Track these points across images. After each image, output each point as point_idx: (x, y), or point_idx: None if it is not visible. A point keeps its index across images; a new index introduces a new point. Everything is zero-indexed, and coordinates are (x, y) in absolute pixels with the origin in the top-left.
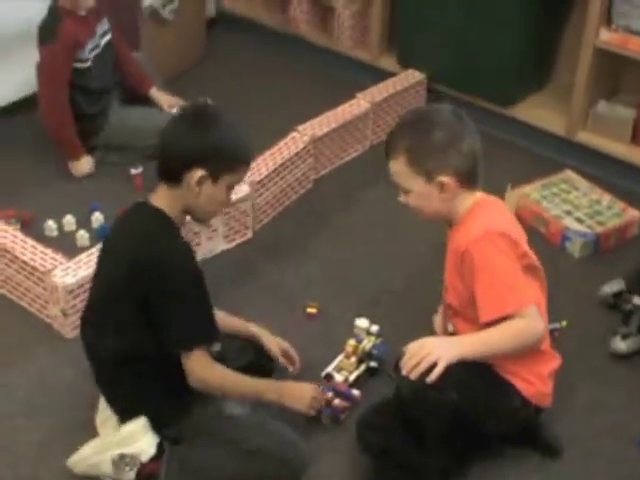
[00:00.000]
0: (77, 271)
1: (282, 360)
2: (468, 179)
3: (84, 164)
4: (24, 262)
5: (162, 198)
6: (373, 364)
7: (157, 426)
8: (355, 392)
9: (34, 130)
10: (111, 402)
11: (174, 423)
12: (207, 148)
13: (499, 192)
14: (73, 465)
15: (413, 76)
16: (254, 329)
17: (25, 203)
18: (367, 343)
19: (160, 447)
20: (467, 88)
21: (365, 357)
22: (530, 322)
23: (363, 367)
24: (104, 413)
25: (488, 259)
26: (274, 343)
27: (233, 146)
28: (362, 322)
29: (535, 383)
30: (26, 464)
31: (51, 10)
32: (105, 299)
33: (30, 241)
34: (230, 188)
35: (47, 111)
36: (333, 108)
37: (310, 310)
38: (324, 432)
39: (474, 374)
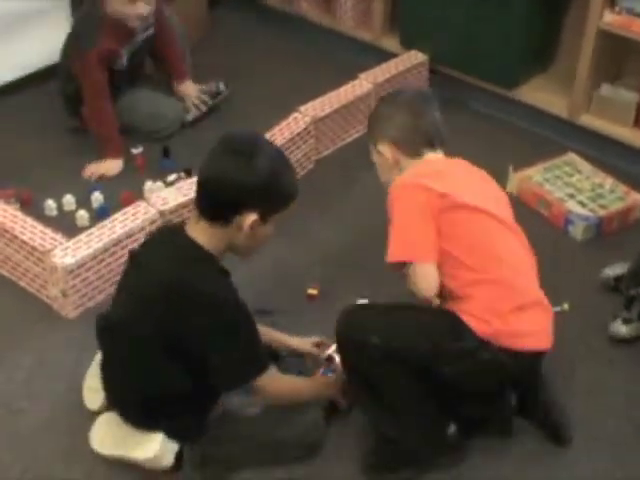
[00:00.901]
0: (77, 251)
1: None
2: (407, 147)
3: (114, 165)
4: (23, 241)
5: (202, 234)
6: None
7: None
8: None
9: (37, 108)
10: (125, 410)
11: (195, 436)
12: (261, 192)
13: (501, 174)
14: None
15: (415, 57)
16: (294, 342)
17: (25, 182)
18: None
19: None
20: (470, 70)
21: None
22: (412, 279)
23: None
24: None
25: (393, 209)
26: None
27: (286, 186)
28: (362, 302)
29: (490, 321)
30: (26, 446)
31: (90, 13)
32: (137, 352)
33: (30, 220)
34: (276, 221)
35: (89, 108)
36: (335, 89)
37: (311, 292)
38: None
39: (408, 317)
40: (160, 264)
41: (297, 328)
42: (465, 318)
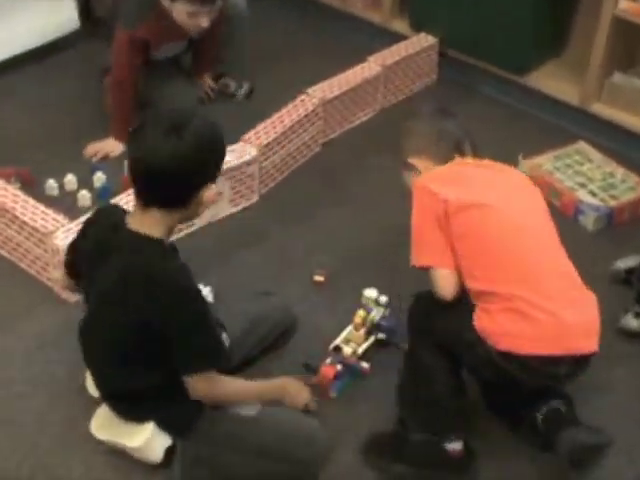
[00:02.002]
0: None
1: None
2: (437, 155)
3: (116, 147)
4: (24, 222)
5: (154, 225)
6: (381, 336)
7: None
8: (364, 365)
9: (38, 85)
10: (114, 404)
11: (186, 426)
12: (214, 164)
13: (511, 162)
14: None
15: (425, 40)
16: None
17: (26, 161)
18: (376, 314)
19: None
20: (480, 54)
21: (374, 329)
22: (431, 282)
23: (372, 339)
24: None
25: (413, 210)
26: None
27: (223, 144)
28: (371, 292)
29: (482, 317)
30: (25, 432)
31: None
32: (111, 347)
33: (31, 201)
34: None
35: (111, 82)
36: (344, 71)
37: (317, 278)
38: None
39: (453, 305)
40: (117, 263)
41: (302, 315)
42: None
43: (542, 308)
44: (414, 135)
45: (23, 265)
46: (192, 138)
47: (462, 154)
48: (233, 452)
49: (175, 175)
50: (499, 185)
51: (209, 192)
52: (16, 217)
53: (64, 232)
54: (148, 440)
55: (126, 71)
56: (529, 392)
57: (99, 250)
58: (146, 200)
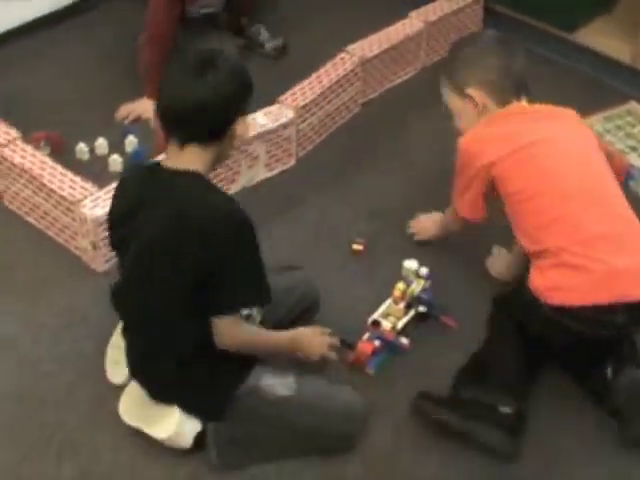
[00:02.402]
0: (108, 202)
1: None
2: (497, 93)
3: (151, 106)
4: (52, 190)
5: (193, 160)
6: (422, 309)
7: (200, 416)
8: (404, 340)
9: (70, 44)
10: (146, 380)
11: (218, 411)
12: (242, 95)
13: None
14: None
15: None
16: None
17: (56, 124)
18: (416, 286)
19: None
20: (527, 9)
21: (414, 301)
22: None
23: (412, 313)
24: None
25: (457, 166)
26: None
27: (250, 77)
28: (411, 264)
29: (534, 276)
30: (52, 410)
31: None
32: (156, 301)
33: (60, 168)
34: None
35: (147, 38)
36: (384, 27)
37: (356, 247)
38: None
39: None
40: (165, 205)
41: (340, 286)
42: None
43: (591, 257)
44: (480, 66)
45: (51, 233)
46: (226, 70)
47: (519, 98)
48: (271, 432)
49: (216, 106)
50: (546, 135)
51: (242, 125)
52: (44, 184)
53: (92, 200)
54: (176, 430)
55: (163, 25)
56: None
57: (139, 202)
58: (183, 138)
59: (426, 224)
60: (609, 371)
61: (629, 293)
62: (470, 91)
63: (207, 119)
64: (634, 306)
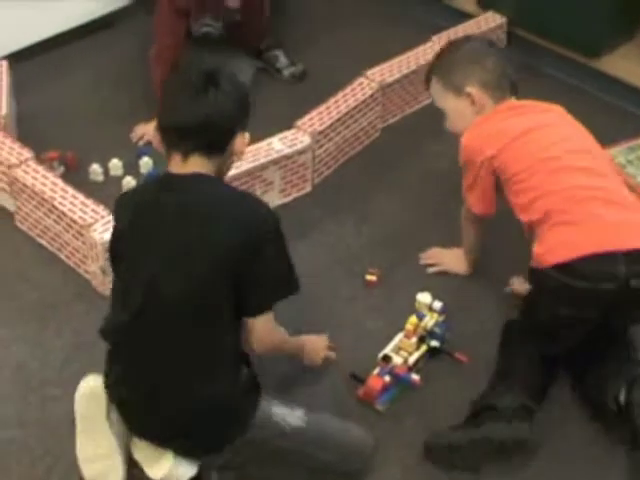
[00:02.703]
0: None
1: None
2: (494, 91)
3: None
4: (63, 213)
5: (199, 168)
6: (434, 343)
7: (203, 450)
8: (415, 377)
9: (86, 62)
10: (152, 424)
11: (227, 443)
12: (244, 108)
13: None
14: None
15: (493, 19)
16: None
17: (70, 142)
18: (429, 320)
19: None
20: (550, 34)
21: (426, 335)
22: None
23: (424, 348)
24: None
25: (464, 165)
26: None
27: (247, 93)
28: (424, 297)
29: (534, 249)
30: (57, 437)
31: None
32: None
33: (71, 190)
34: None
35: (154, 55)
36: (406, 51)
37: (370, 277)
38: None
39: None
40: (189, 208)
41: (351, 316)
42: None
43: (582, 212)
44: (479, 65)
45: (62, 255)
46: (228, 85)
47: (511, 97)
48: (279, 470)
49: (218, 122)
50: (539, 123)
51: (241, 140)
52: (55, 207)
53: (103, 225)
54: (169, 472)
55: (169, 39)
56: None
57: (148, 213)
58: (187, 149)
59: (447, 258)
60: (622, 393)
61: (626, 240)
62: (469, 89)
63: (209, 134)
64: (633, 257)
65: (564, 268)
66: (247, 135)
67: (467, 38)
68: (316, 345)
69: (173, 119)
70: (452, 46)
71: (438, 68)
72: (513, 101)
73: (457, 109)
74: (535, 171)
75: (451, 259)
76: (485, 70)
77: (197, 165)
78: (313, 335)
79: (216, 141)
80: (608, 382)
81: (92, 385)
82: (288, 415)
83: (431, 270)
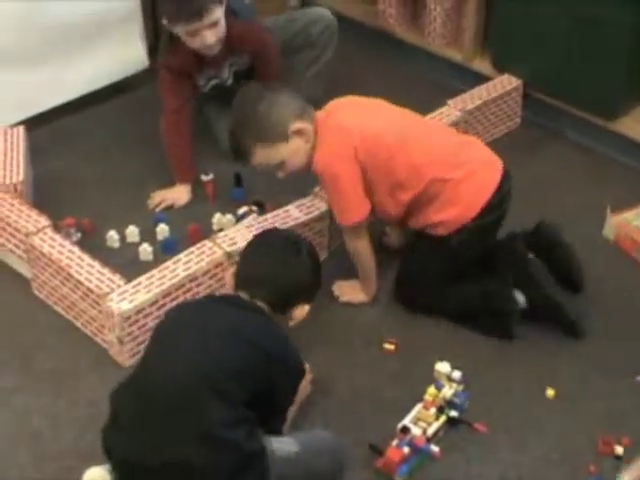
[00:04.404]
0: (135, 295)
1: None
2: (305, 115)
3: (183, 194)
4: (79, 282)
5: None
6: (453, 413)
7: None
8: (434, 448)
9: (101, 128)
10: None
11: None
12: (314, 286)
13: (597, 213)
14: None
15: (509, 82)
16: None
17: (87, 209)
18: (448, 391)
19: None
20: (567, 96)
21: (445, 406)
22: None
23: (443, 418)
24: None
25: (326, 182)
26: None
27: (320, 280)
28: (443, 367)
29: (437, 224)
30: None
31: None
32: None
33: (87, 259)
34: None
35: (163, 121)
36: (421, 113)
37: (388, 346)
38: None
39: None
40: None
41: (369, 385)
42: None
43: (461, 166)
44: (284, 106)
45: (78, 324)
46: (308, 257)
47: (313, 111)
48: None
49: (294, 287)
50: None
51: (302, 310)
52: (71, 275)
53: (119, 294)
54: None
55: (174, 103)
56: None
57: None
58: (255, 293)
59: (353, 288)
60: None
61: (487, 180)
62: (297, 126)
63: (278, 294)
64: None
65: (481, 214)
66: (307, 307)
67: (242, 93)
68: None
69: (254, 272)
70: (241, 110)
71: (256, 136)
72: (323, 110)
73: (292, 150)
74: (394, 156)
75: (350, 290)
76: (286, 105)
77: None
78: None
79: (279, 303)
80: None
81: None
82: (284, 444)
83: (340, 301)
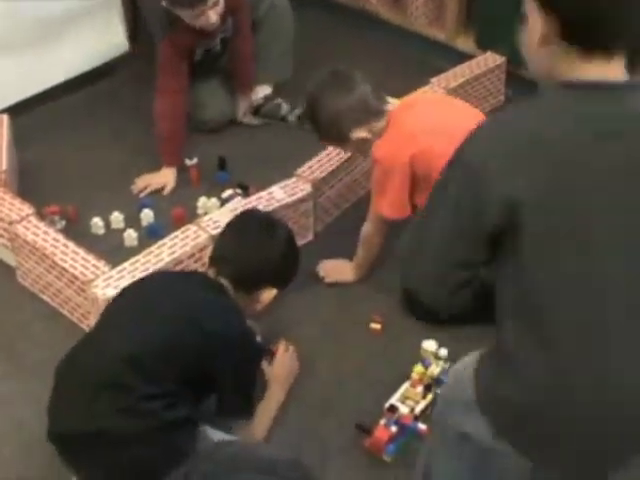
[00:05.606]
0: (120, 281)
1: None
2: (371, 116)
3: (169, 178)
4: (64, 269)
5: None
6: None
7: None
8: (421, 426)
9: (83, 115)
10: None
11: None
12: (285, 271)
13: None
14: None
15: (493, 59)
16: None
17: (71, 196)
18: (435, 368)
19: None
20: None
21: (432, 383)
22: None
23: (430, 396)
24: None
25: (378, 170)
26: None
27: (296, 265)
28: (429, 345)
29: None
30: None
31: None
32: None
33: (72, 246)
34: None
35: (158, 98)
36: (405, 92)
37: (374, 326)
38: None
39: None
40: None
41: (356, 365)
42: None
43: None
44: (344, 112)
45: (64, 311)
46: (283, 241)
47: (383, 99)
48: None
49: (247, 259)
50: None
51: (269, 294)
52: (55, 263)
53: (104, 280)
54: None
55: (174, 82)
56: None
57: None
58: (220, 270)
59: (339, 268)
60: None
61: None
62: (357, 134)
63: (242, 271)
64: None
65: None
66: (274, 292)
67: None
68: (283, 366)
69: (222, 249)
70: (308, 112)
71: (323, 131)
72: (394, 101)
73: (360, 150)
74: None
75: (336, 270)
76: (350, 111)
77: (224, 283)
78: (272, 365)
79: (244, 281)
80: None
81: None
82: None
83: (326, 281)
